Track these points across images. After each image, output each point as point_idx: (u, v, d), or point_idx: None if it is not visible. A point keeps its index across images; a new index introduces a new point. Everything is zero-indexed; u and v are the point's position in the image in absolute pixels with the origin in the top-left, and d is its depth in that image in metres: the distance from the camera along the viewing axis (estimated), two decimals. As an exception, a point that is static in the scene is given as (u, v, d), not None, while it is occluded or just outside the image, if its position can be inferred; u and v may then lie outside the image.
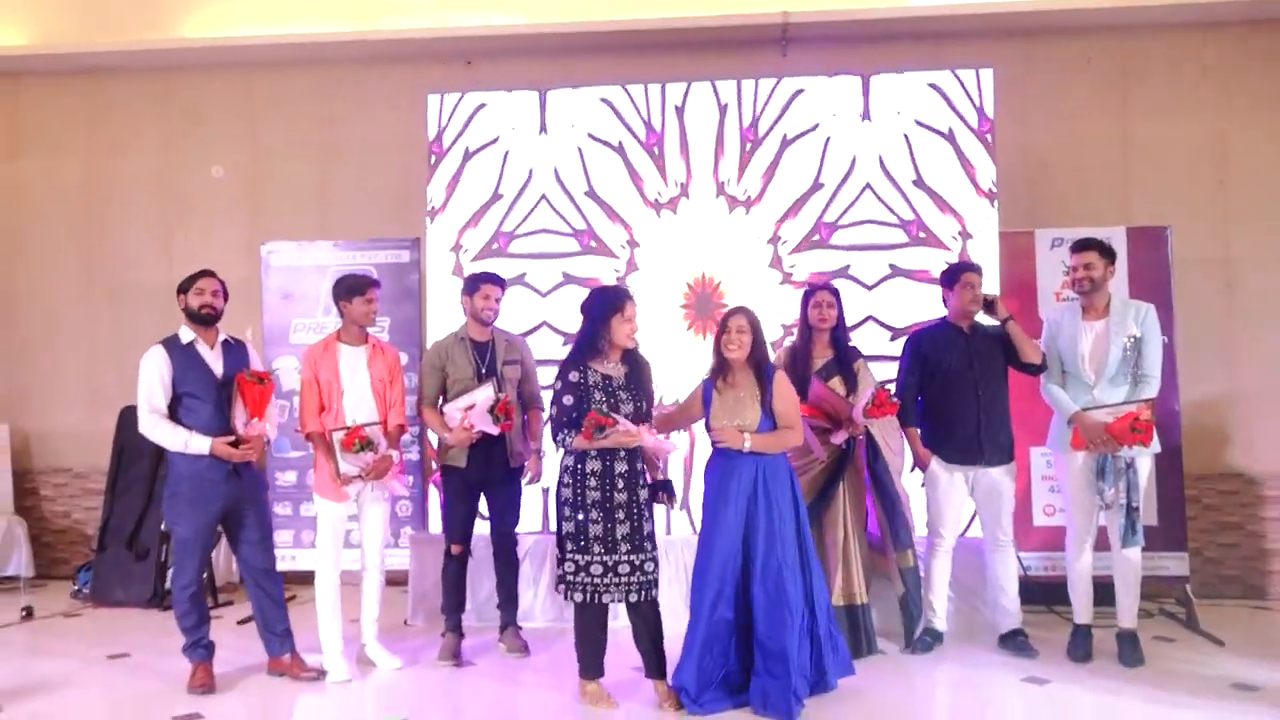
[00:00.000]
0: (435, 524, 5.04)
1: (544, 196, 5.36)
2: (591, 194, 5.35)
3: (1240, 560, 5.42)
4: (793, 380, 3.87)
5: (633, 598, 3.58)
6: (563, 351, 4.13)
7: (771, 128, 5.28)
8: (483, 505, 4.42)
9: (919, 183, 5.18)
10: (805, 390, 4.14)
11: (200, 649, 3.98)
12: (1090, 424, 4.06)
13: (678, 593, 4.59)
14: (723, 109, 5.30)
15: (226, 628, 4.84)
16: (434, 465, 4.72)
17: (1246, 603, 5.28)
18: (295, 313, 5.48)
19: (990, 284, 4.77)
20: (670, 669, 3.67)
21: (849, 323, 4.59)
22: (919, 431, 4.41)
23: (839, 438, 4.25)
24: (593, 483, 3.58)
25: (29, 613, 5.24)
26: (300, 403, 4.21)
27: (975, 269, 4.37)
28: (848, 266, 5.18)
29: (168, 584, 5.24)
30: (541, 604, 4.90)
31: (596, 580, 3.56)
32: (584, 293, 3.92)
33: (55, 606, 5.49)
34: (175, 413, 3.90)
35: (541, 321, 5.29)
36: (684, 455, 5.10)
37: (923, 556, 4.40)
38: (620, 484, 3.59)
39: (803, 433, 3.74)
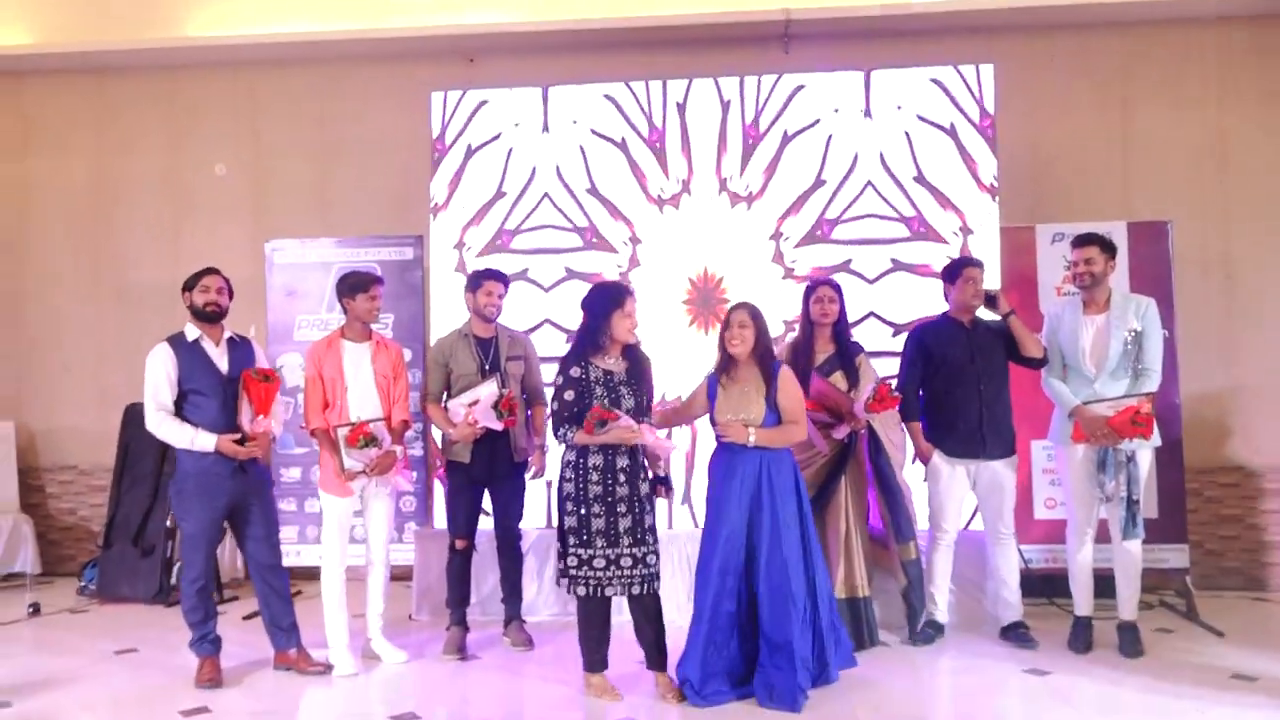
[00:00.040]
0: (440, 519, 5.07)
1: (546, 193, 5.38)
2: (594, 190, 5.37)
3: (1240, 552, 5.44)
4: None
5: (635, 590, 3.60)
6: (565, 348, 4.16)
7: (773, 124, 5.29)
8: (487, 500, 4.45)
9: (920, 178, 5.19)
10: (807, 385, 4.14)
11: (207, 644, 4.01)
12: (1091, 417, 4.08)
13: (680, 586, 4.61)
14: (725, 105, 5.32)
15: (232, 623, 4.86)
16: (438, 461, 4.74)
17: (1246, 594, 5.31)
18: (299, 309, 5.49)
19: (991, 279, 4.79)
20: (673, 662, 3.70)
21: (851, 318, 4.60)
22: (921, 425, 4.42)
23: (841, 433, 4.27)
24: (595, 477, 3.61)
25: (36, 609, 5.28)
26: (305, 399, 4.23)
27: (977, 264, 4.39)
28: (849, 261, 5.20)
29: (173, 579, 5.30)
30: (545, 598, 4.92)
31: (599, 573, 3.58)
32: (586, 289, 3.93)
33: (62, 603, 5.52)
34: (181, 410, 3.92)
35: (544, 318, 5.31)
36: (686, 451, 5.11)
37: (924, 549, 4.42)
38: (622, 478, 3.62)
39: (807, 427, 3.76)
